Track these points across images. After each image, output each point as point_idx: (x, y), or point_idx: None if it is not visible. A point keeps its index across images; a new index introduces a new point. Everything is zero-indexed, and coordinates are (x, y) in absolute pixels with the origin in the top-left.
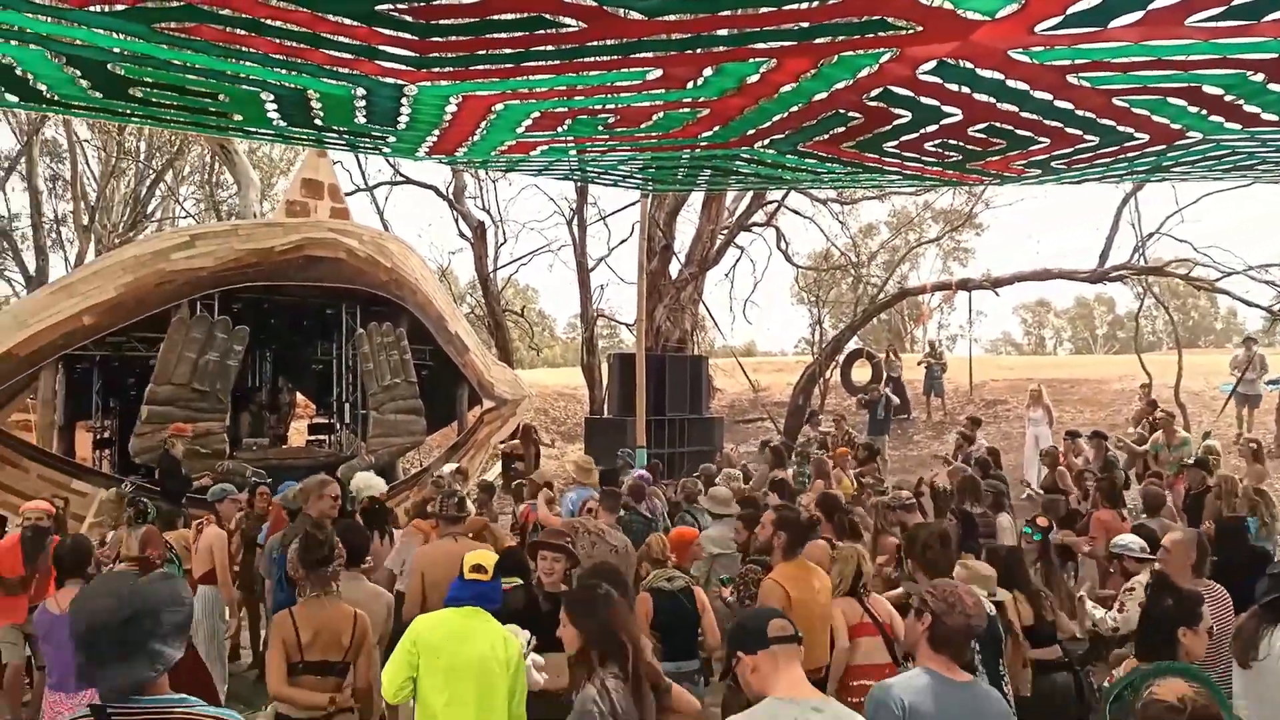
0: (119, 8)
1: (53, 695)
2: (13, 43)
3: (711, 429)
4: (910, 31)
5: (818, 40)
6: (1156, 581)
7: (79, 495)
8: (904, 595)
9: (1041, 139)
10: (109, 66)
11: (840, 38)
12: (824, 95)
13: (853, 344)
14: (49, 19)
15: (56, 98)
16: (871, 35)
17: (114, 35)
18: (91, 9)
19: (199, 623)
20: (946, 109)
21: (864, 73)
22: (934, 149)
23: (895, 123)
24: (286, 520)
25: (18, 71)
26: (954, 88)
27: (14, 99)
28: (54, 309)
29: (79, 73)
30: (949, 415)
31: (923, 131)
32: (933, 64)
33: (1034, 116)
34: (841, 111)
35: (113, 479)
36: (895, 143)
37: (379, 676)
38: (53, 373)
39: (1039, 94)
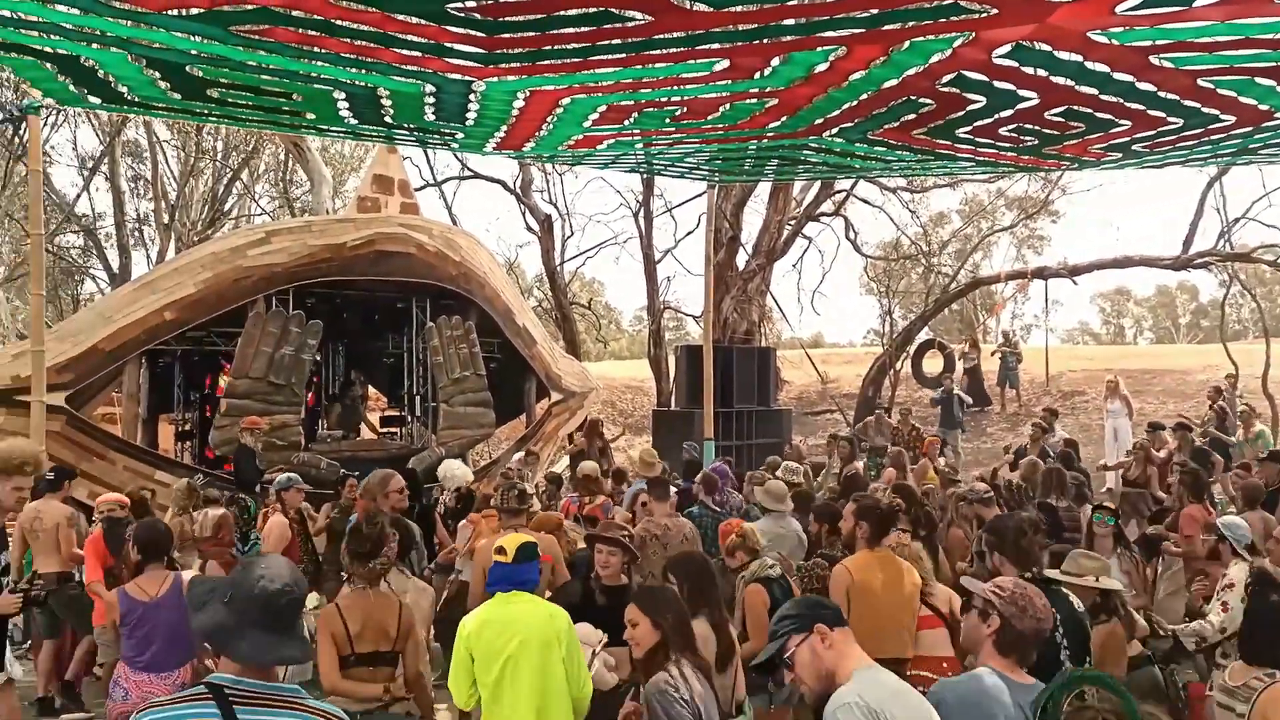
0: (196, 11)
1: (140, 675)
2: (95, 46)
3: (779, 421)
4: (986, 15)
5: (889, 26)
6: (1259, 578)
7: (162, 486)
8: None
9: (1122, 122)
10: (187, 68)
11: (913, 23)
12: (895, 82)
13: (923, 335)
14: (129, 23)
15: (137, 99)
16: (945, 19)
17: (191, 38)
18: (169, 12)
19: None
20: (1023, 93)
21: (937, 58)
22: (1009, 134)
23: (969, 108)
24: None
25: (101, 74)
26: (1031, 71)
27: (97, 101)
28: (137, 305)
29: (159, 74)
30: (1024, 407)
31: (997, 116)
32: (1009, 47)
33: (1115, 99)
34: (913, 98)
35: (194, 470)
36: (969, 128)
37: (427, 665)
38: (137, 367)
39: (1120, 76)
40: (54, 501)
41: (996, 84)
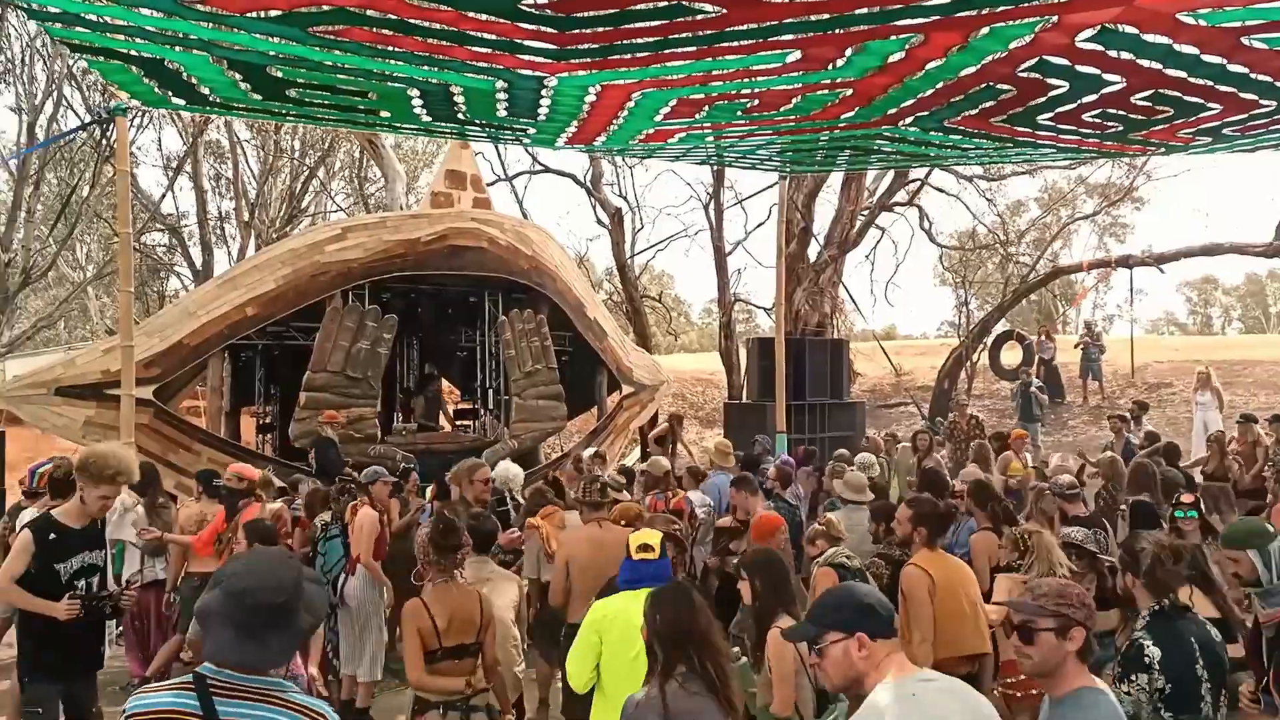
0: (275, 12)
1: None
2: (178, 49)
3: (853, 414)
4: None
5: (968, 13)
6: None
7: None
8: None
9: (1212, 106)
10: (267, 69)
11: (991, 9)
12: (974, 69)
13: (1001, 326)
14: (211, 25)
15: (219, 100)
16: (1028, 4)
17: (271, 39)
18: (249, 14)
19: (363, 599)
20: (1107, 77)
21: (1017, 43)
22: (1093, 120)
23: (1051, 94)
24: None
25: (184, 76)
26: (1116, 55)
27: (181, 102)
28: (220, 301)
29: (239, 76)
30: (1107, 400)
31: (1081, 102)
32: (1093, 30)
33: (1204, 82)
34: (992, 85)
35: (275, 462)
36: (1050, 115)
37: (510, 653)
38: (220, 361)
39: (1210, 58)
40: (215, 504)
41: (1080, 69)
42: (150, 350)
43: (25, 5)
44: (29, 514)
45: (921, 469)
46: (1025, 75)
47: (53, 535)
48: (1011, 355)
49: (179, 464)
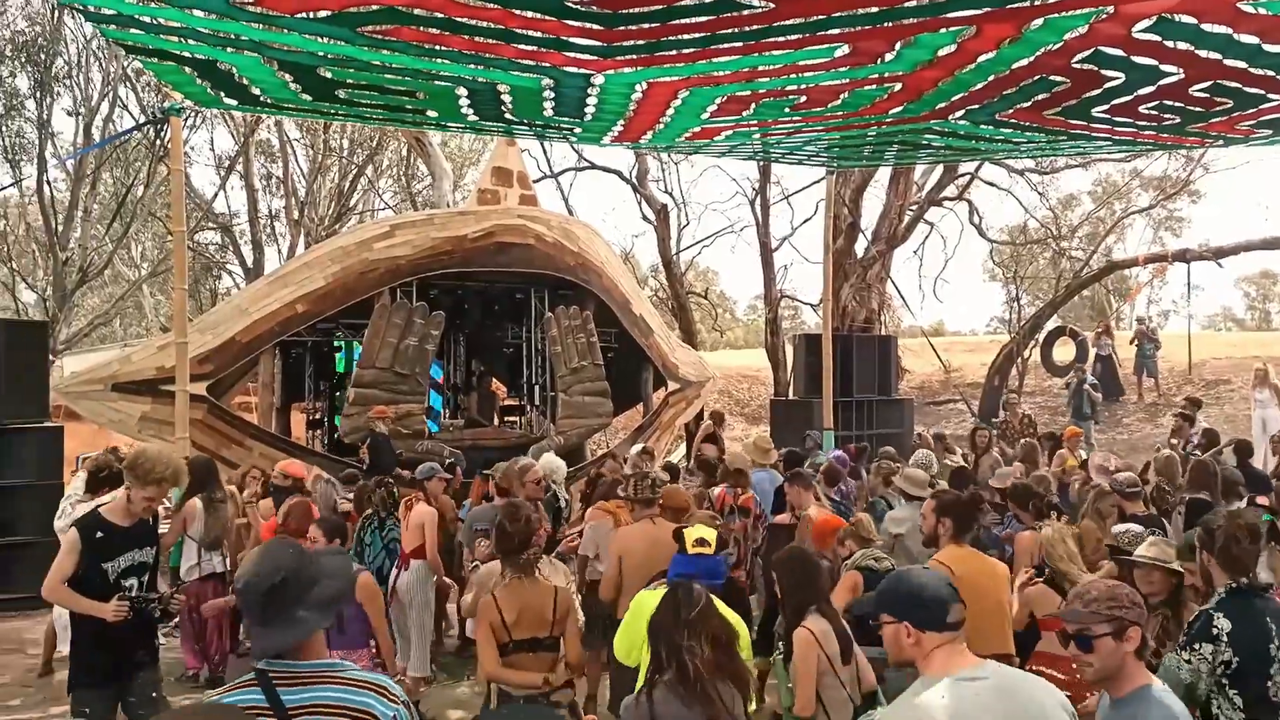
0: (325, 13)
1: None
2: (230, 50)
3: (901, 411)
4: None
5: (1021, 4)
6: None
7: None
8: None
9: (1273, 97)
10: (317, 70)
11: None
12: (1027, 61)
13: (1053, 322)
14: (262, 26)
15: (270, 100)
16: None
17: (320, 40)
18: (299, 15)
19: (414, 594)
20: (1165, 68)
21: (1072, 34)
22: (1149, 112)
23: (1106, 85)
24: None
25: (236, 77)
26: (1174, 45)
27: (233, 102)
28: (271, 298)
29: (290, 77)
30: (1163, 397)
31: (1137, 94)
32: (1151, 20)
33: (1266, 72)
34: (1045, 77)
35: (325, 457)
36: (1105, 107)
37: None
38: (271, 358)
39: (1272, 48)
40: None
41: (1136, 60)
42: (203, 347)
43: (82, 7)
44: (83, 508)
45: (954, 469)
46: (1080, 67)
47: (100, 533)
48: (1064, 352)
49: (231, 459)
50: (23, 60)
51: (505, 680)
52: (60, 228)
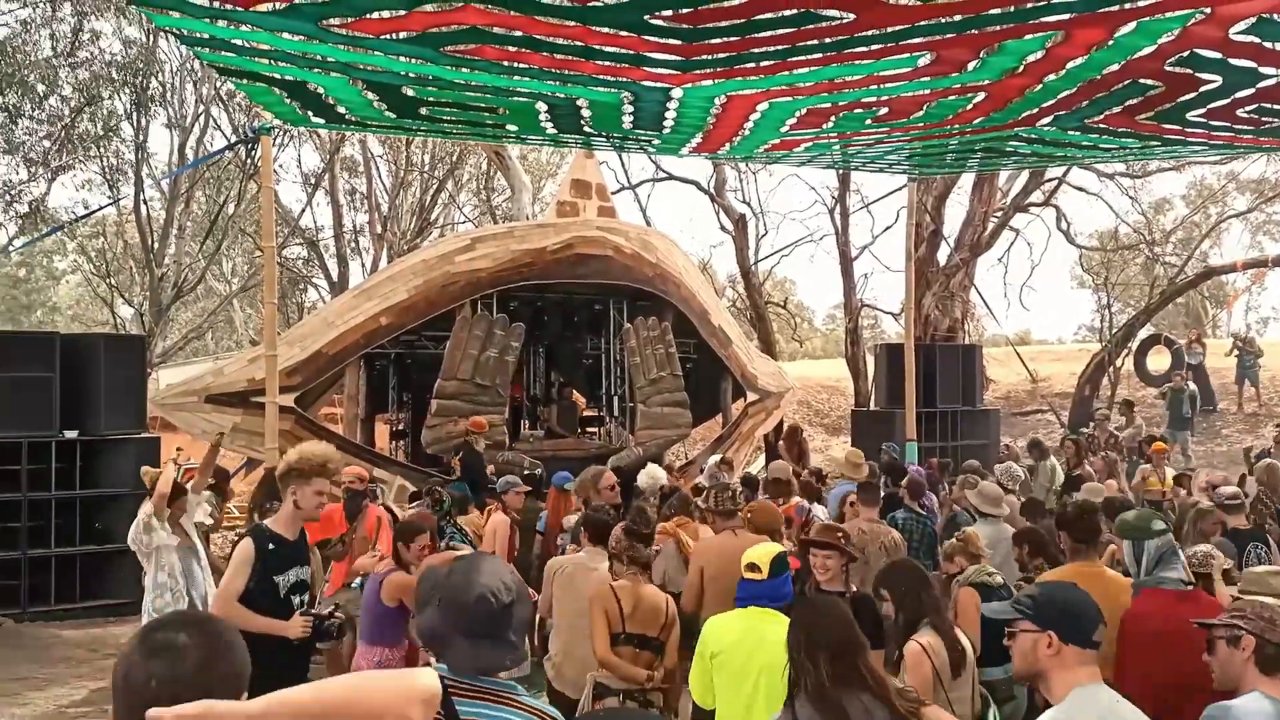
0: (410, 34)
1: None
2: (318, 71)
3: (986, 422)
4: None
5: (1111, 8)
6: None
7: (380, 483)
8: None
9: None
10: (401, 89)
11: (1139, 3)
12: (1118, 66)
13: (1146, 330)
14: (349, 48)
15: (356, 118)
16: None
17: (405, 59)
18: (385, 36)
19: None
20: (1265, 70)
21: (1166, 38)
22: (1248, 115)
23: (1202, 89)
24: (570, 507)
25: (324, 97)
26: (1273, 46)
27: (321, 121)
28: (356, 311)
29: (375, 96)
30: (1264, 406)
31: (1235, 97)
32: (1249, 22)
33: None
34: (1139, 81)
35: (407, 467)
36: (1201, 111)
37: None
38: (356, 370)
39: None
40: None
41: (1234, 62)
42: (291, 359)
43: (178, 32)
44: (143, 514)
45: (1027, 500)
46: (1174, 70)
47: (272, 545)
48: (1159, 360)
49: None
50: (120, 84)
51: (614, 668)
52: (156, 245)
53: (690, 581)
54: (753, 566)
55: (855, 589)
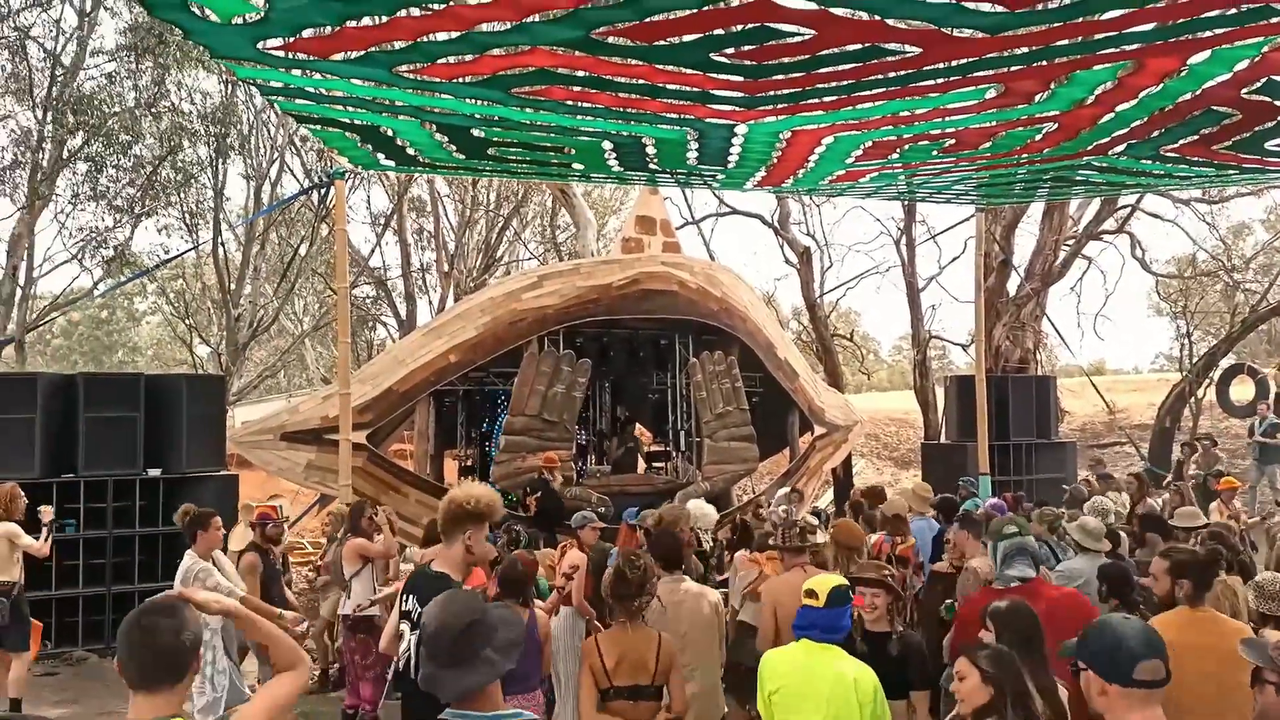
0: (480, 77)
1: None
2: (387, 114)
3: (1062, 454)
4: None
5: (1184, 37)
6: None
7: None
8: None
9: None
10: (470, 130)
11: (1213, 31)
12: (1193, 94)
13: (1228, 359)
14: (421, 92)
15: (425, 160)
16: (1254, 24)
17: (474, 102)
18: (456, 80)
19: (560, 639)
20: None
21: (1243, 65)
22: None
23: None
24: (638, 543)
25: (396, 140)
26: None
27: (392, 164)
28: (425, 349)
29: (445, 138)
30: None
31: None
32: None
33: None
34: (1215, 109)
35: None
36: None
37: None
38: (426, 406)
39: None
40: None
41: None
42: (363, 397)
43: (257, 83)
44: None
45: (1144, 516)
46: (1252, 98)
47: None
48: (1243, 390)
49: (390, 504)
50: (200, 134)
51: None
52: (233, 286)
53: (765, 621)
54: (811, 593)
55: (901, 629)
